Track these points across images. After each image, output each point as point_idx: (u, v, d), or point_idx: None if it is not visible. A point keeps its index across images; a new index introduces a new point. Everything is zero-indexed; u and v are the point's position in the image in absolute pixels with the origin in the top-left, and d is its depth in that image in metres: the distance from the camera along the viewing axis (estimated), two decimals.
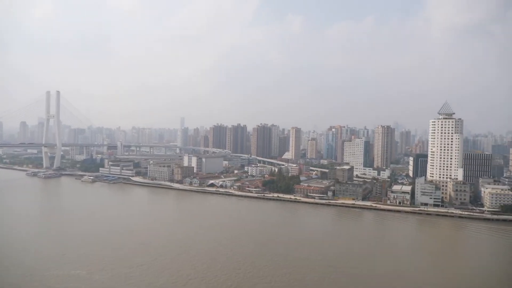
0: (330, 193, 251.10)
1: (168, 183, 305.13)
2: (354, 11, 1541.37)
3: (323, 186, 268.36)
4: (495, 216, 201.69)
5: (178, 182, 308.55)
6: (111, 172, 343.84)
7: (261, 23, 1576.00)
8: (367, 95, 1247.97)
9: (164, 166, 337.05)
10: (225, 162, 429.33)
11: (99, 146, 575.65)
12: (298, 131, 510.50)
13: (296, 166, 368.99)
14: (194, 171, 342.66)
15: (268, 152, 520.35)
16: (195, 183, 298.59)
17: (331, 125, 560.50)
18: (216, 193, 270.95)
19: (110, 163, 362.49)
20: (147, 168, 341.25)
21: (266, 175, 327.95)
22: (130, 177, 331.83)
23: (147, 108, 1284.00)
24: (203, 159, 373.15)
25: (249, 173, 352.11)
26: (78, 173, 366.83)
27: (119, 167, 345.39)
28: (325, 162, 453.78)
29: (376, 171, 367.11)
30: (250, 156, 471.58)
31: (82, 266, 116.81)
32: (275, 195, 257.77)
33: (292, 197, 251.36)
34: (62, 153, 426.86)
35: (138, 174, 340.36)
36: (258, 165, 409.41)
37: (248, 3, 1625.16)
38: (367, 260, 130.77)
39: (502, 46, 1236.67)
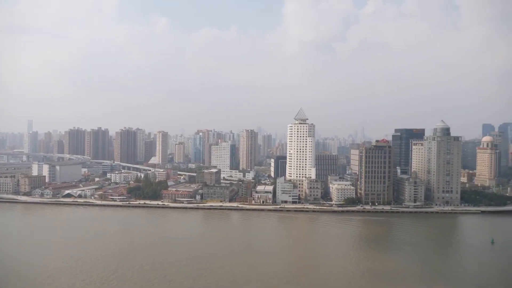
0: (198, 197, 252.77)
1: (12, 196, 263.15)
2: (219, 18, 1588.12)
3: (191, 190, 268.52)
4: (340, 208, 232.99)
5: (25, 194, 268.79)
6: None
7: (124, 22, 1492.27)
8: (234, 100, 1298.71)
9: (6, 177, 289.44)
10: (84, 170, 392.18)
11: None
12: (165, 135, 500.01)
13: (164, 171, 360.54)
14: (46, 180, 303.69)
15: (133, 157, 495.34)
16: (47, 194, 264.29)
17: (199, 129, 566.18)
18: (74, 204, 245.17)
19: None
20: None
21: (131, 182, 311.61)
22: None
23: None
24: (57, 167, 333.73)
25: (112, 180, 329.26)
26: None
27: None
28: (193, 166, 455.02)
29: (241, 173, 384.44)
30: (113, 162, 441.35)
31: None
32: (142, 202, 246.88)
33: (160, 203, 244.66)
34: None
35: None
36: (123, 171, 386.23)
37: (109, 0, 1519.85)
38: (235, 258, 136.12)
39: (342, 60, 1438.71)
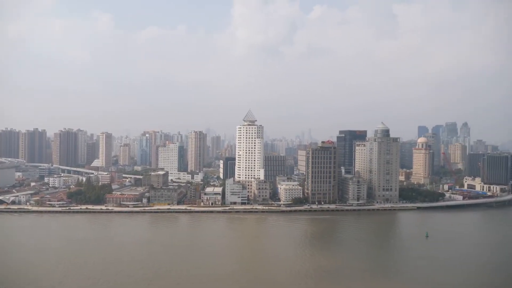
0: (145, 200, 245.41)
1: None
2: (166, 17, 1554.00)
3: (137, 193, 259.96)
4: (288, 208, 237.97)
5: None
6: None
7: (60, 15, 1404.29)
8: (182, 101, 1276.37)
9: None
10: (18, 174, 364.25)
11: None
12: (109, 136, 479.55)
13: (108, 174, 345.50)
14: None
15: (74, 160, 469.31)
16: None
17: (145, 130, 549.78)
18: (7, 211, 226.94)
19: None
20: None
21: (72, 186, 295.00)
22: None
23: None
24: None
25: (50, 185, 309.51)
26: None
27: None
28: (139, 168, 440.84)
29: (190, 175, 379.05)
30: (52, 166, 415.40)
31: None
32: (84, 207, 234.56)
33: (104, 207, 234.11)
34: None
35: None
36: (62, 175, 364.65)
37: None
38: (183, 262, 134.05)
39: (290, 64, 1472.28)
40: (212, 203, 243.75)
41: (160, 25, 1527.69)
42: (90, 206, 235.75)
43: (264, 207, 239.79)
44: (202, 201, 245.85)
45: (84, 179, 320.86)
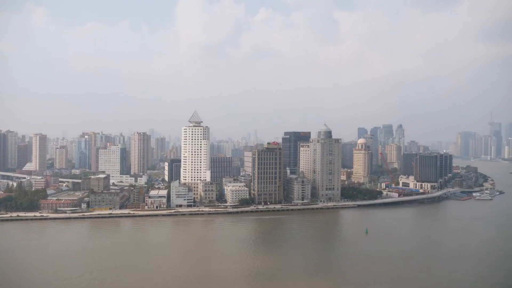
0: (84, 205, 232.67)
1: None
2: (108, 12, 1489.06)
3: (75, 198, 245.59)
4: (235, 209, 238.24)
5: None
6: None
7: None
8: (124, 101, 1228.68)
9: None
10: None
11: None
12: (43, 138, 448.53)
13: (42, 179, 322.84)
14: None
15: (3, 163, 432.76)
16: None
17: (84, 131, 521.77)
18: None
19: None
20: None
21: (0, 192, 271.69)
22: None
23: None
24: None
25: None
26: None
27: None
28: (77, 172, 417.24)
29: (133, 178, 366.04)
30: None
31: None
32: (15, 214, 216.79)
33: (38, 214, 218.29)
34: None
35: None
36: None
37: None
38: (125, 268, 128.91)
39: (236, 65, 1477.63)
40: (157, 207, 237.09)
41: (100, 20, 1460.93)
42: (21, 214, 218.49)
43: (210, 209, 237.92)
44: (146, 205, 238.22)
45: (15, 184, 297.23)
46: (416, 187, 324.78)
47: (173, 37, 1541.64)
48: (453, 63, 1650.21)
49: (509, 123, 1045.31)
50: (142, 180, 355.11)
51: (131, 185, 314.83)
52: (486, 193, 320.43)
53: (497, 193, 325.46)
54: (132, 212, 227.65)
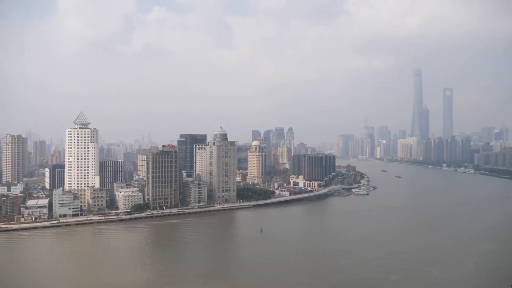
0: None
1: None
2: None
3: None
4: (128, 216, 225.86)
5: None
6: None
7: None
8: None
9: None
10: None
11: None
12: None
13: None
14: None
15: None
16: None
17: None
18: None
19: None
20: None
21: None
22: None
23: None
24: None
25: None
26: None
27: None
28: None
29: (6, 187, 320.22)
30: None
31: None
32: None
33: None
34: None
35: None
36: None
37: None
38: None
39: (126, 63, 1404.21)
40: (35, 218, 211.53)
41: None
42: None
43: (100, 217, 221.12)
44: (22, 217, 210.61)
45: None
46: (305, 185, 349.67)
47: (54, 30, 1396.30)
48: (333, 72, 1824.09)
49: (380, 127, 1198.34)
50: (17, 189, 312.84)
51: (2, 195, 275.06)
52: (363, 189, 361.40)
53: (372, 189, 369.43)
54: (4, 226, 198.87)
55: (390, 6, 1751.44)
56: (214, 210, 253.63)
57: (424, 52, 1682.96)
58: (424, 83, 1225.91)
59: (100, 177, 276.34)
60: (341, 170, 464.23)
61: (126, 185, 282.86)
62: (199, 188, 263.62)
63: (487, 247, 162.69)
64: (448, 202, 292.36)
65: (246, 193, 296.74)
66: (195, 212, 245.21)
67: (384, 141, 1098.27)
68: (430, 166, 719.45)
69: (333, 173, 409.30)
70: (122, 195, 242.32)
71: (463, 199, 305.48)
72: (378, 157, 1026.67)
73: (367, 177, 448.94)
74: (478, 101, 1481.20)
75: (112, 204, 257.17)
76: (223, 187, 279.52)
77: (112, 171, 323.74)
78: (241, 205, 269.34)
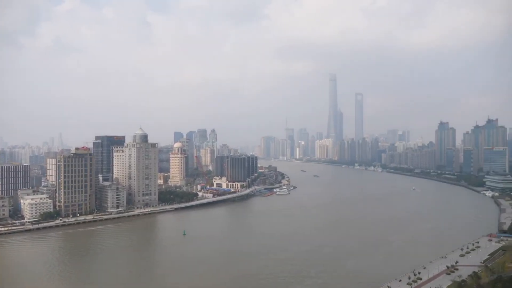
0: None
1: None
2: None
3: None
4: (36, 226, 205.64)
5: None
6: None
7: None
8: None
9: None
10: None
11: None
12: None
13: None
14: None
15: None
16: None
17: None
18: None
19: None
20: None
21: None
22: None
23: None
24: None
25: None
26: None
27: None
28: None
29: None
30: None
31: None
32: None
33: None
34: None
35: None
36: None
37: None
38: None
39: (33, 58, 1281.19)
40: None
41: None
42: None
43: (2, 229, 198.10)
44: None
45: None
46: (228, 187, 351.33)
47: None
48: (254, 74, 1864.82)
49: (300, 129, 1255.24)
50: None
51: None
52: (284, 188, 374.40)
53: (292, 188, 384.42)
54: None
55: (309, 15, 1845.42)
56: (134, 215, 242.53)
57: (339, 60, 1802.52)
58: (339, 88, 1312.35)
59: (1, 184, 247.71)
60: (263, 170, 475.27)
61: (33, 191, 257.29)
62: (117, 192, 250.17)
63: (394, 238, 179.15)
64: (361, 198, 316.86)
65: (168, 196, 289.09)
66: (113, 218, 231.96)
67: (303, 142, 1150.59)
68: (344, 166, 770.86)
69: (256, 174, 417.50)
70: (29, 202, 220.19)
71: (373, 193, 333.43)
72: (297, 157, 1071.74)
73: (288, 177, 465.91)
74: (384, 105, 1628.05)
75: (16, 213, 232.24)
76: (143, 191, 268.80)
77: (16, 176, 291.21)
78: (163, 209, 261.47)
